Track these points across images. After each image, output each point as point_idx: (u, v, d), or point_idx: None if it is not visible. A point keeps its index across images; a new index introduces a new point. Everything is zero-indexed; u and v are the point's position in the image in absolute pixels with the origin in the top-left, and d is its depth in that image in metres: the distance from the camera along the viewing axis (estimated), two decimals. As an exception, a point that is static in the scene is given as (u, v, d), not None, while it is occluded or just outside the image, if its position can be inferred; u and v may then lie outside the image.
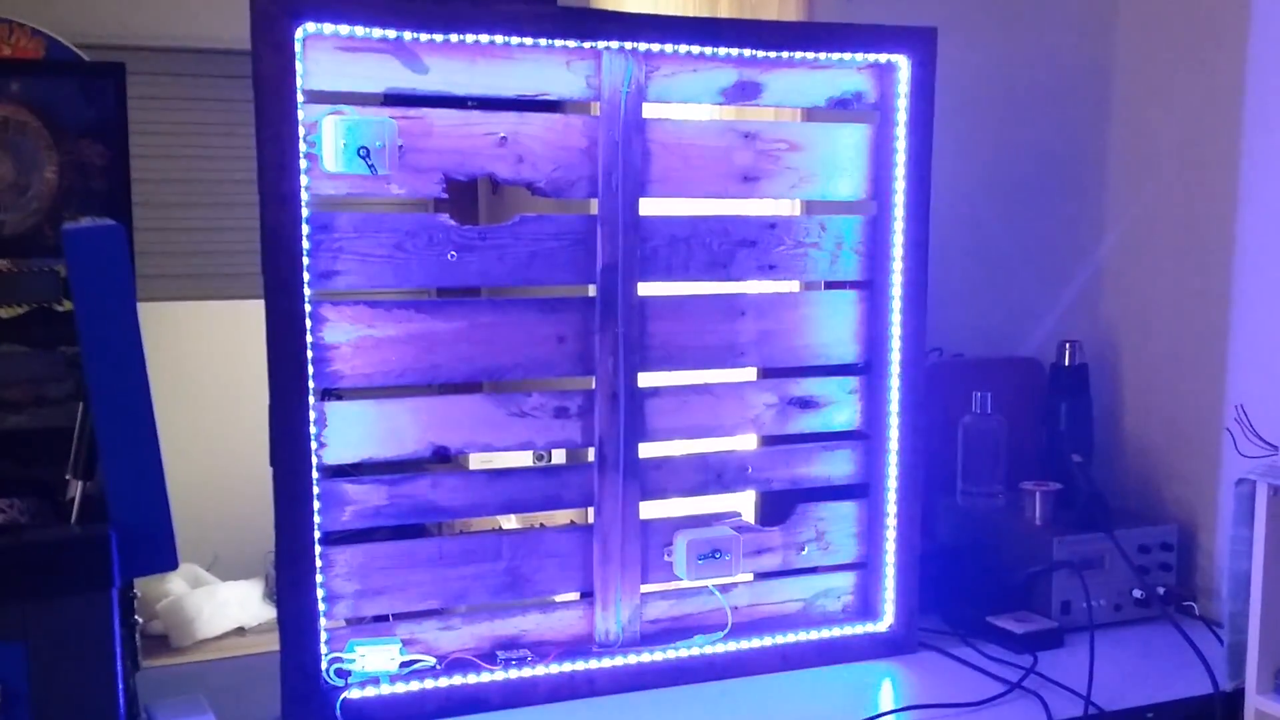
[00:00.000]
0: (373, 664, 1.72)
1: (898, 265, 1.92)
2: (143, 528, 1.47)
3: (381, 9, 1.63)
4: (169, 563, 1.51)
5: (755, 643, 1.89)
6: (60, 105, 2.53)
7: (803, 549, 1.97)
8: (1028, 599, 2.06)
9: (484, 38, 1.68)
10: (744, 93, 1.85)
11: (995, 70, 2.40)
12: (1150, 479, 2.29)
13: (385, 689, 1.71)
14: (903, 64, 1.88)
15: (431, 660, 1.77)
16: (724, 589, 1.92)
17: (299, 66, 1.61)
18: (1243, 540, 1.76)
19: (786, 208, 2.12)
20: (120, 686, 1.44)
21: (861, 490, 1.99)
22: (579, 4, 2.79)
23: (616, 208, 1.79)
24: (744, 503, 2.05)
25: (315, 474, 1.66)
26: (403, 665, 1.74)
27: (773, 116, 2.07)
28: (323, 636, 1.69)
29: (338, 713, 1.67)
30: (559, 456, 2.35)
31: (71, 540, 1.47)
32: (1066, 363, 2.27)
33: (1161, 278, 2.27)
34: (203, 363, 3.23)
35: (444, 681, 1.74)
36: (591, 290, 1.80)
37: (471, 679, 1.75)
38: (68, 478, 1.63)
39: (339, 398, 1.73)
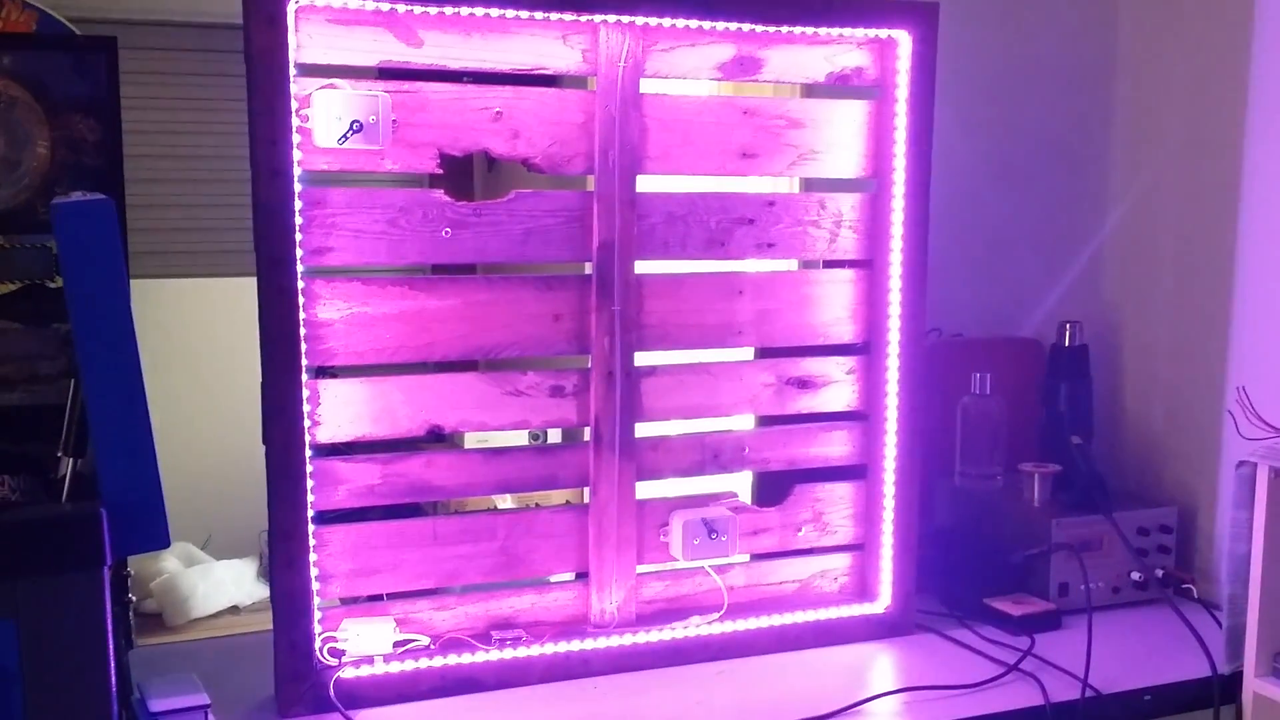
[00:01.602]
0: (366, 643, 1.71)
1: (897, 244, 1.90)
2: (134, 505, 1.45)
3: (375, -19, 1.61)
4: (161, 541, 1.49)
5: (751, 624, 1.88)
6: (52, 80, 2.51)
7: (800, 530, 1.96)
8: (1025, 581, 2.05)
9: (479, 10, 1.66)
10: (742, 68, 1.83)
11: (997, 47, 2.37)
12: (1150, 461, 2.28)
13: (379, 668, 1.70)
14: (904, 40, 1.86)
15: (425, 640, 1.76)
16: (720, 570, 1.91)
17: (291, 39, 1.59)
18: (1243, 523, 1.76)
19: (785, 185, 2.10)
20: (112, 665, 1.43)
21: (859, 471, 1.98)
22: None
23: (613, 184, 1.77)
24: (741, 483, 2.04)
25: (308, 452, 1.65)
26: (396, 645, 1.74)
27: (771, 93, 2.05)
28: (316, 615, 1.68)
29: (331, 692, 1.66)
30: (554, 436, 2.33)
31: (62, 518, 1.45)
32: (1066, 343, 2.25)
33: (1163, 258, 2.26)
34: (195, 340, 3.21)
35: (438, 661, 1.73)
36: (588, 268, 1.79)
37: (466, 659, 1.74)
38: (59, 455, 1.61)
39: (332, 375, 1.71)
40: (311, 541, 1.66)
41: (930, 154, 1.89)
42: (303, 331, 1.63)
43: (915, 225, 1.90)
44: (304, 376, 1.64)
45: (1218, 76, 2.13)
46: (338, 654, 1.70)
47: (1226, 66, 2.10)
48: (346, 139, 1.63)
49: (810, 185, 2.03)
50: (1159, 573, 2.08)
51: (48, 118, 2.49)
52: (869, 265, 1.94)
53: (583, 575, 1.85)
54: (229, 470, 2.86)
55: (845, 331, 1.94)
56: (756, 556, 1.96)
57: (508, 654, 1.76)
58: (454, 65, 1.69)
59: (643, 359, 1.83)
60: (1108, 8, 2.35)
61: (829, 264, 1.95)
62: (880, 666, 1.87)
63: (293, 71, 1.59)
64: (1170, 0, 2.23)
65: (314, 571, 1.67)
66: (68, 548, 1.41)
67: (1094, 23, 2.37)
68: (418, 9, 1.64)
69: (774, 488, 1.97)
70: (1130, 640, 1.94)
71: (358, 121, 1.63)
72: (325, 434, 1.68)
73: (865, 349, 1.95)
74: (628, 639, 1.82)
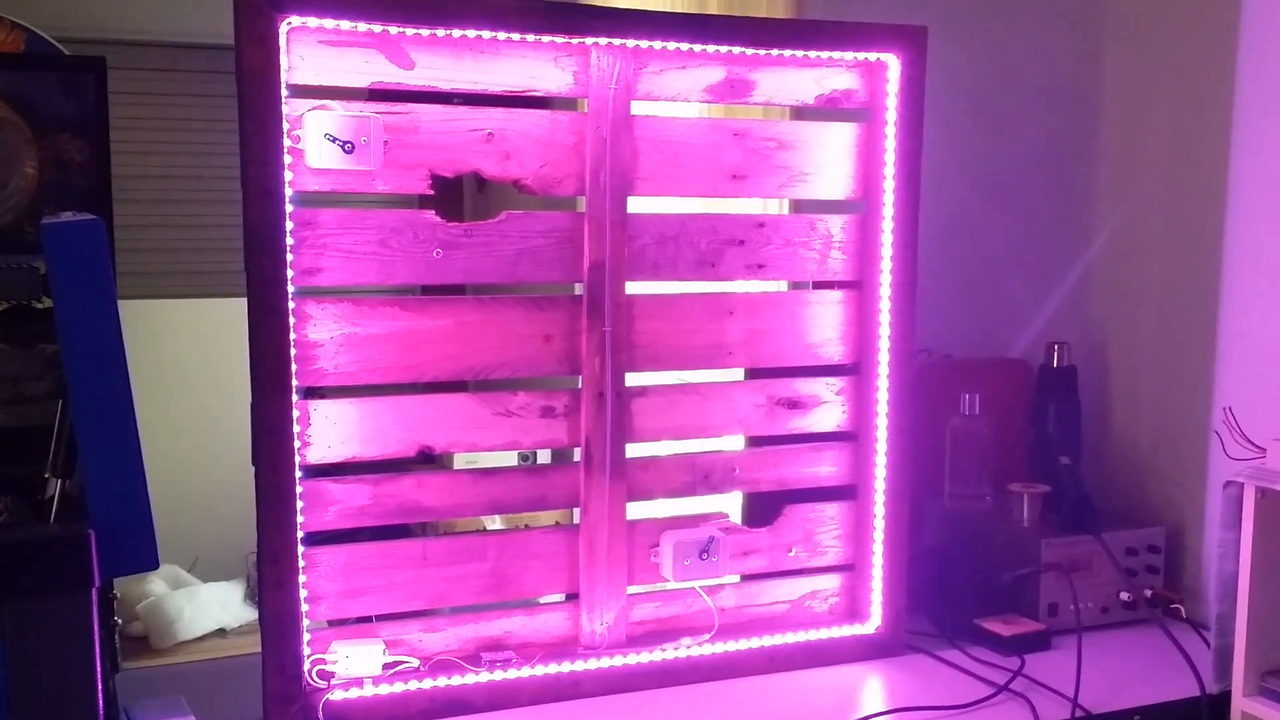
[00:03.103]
0: (355, 666, 1.70)
1: (887, 265, 1.91)
2: (122, 527, 1.45)
3: (367, 2, 1.62)
4: (149, 562, 1.49)
5: (742, 645, 1.88)
6: (40, 99, 2.51)
7: (790, 550, 1.96)
8: (1015, 601, 2.05)
9: (470, 32, 1.67)
10: (733, 90, 1.84)
11: (986, 70, 2.39)
12: (1138, 481, 2.29)
13: (368, 691, 1.69)
14: (893, 62, 1.87)
15: (415, 662, 1.75)
16: (711, 590, 1.91)
17: (283, 60, 1.59)
18: (1230, 543, 1.76)
19: (776, 207, 2.11)
20: (99, 687, 1.42)
21: (849, 492, 1.98)
22: None
23: (604, 205, 1.77)
24: (731, 504, 2.04)
25: (298, 473, 1.64)
26: (386, 667, 1.73)
27: (761, 115, 2.06)
28: (305, 638, 1.67)
29: (320, 715, 1.65)
30: (545, 456, 2.33)
31: (50, 539, 1.45)
32: (1055, 364, 2.26)
33: (1150, 279, 2.27)
34: (185, 361, 3.20)
35: (428, 683, 1.72)
36: (578, 289, 1.79)
37: (455, 681, 1.73)
38: (46, 476, 1.61)
39: (322, 396, 1.71)
40: (300, 563, 1.65)
41: (920, 176, 1.90)
42: (293, 352, 1.63)
43: (905, 246, 1.91)
44: (294, 397, 1.63)
45: (1203, 99, 2.15)
46: (326, 676, 1.69)
47: (1212, 89, 2.12)
48: (335, 140, 1.62)
49: (800, 207, 2.04)
50: (1147, 593, 2.08)
51: (36, 138, 2.49)
52: (859, 286, 1.94)
53: (573, 596, 1.84)
54: (217, 492, 2.85)
55: (835, 352, 1.95)
56: (747, 577, 1.95)
57: (498, 675, 1.75)
58: (445, 87, 1.70)
59: (633, 380, 1.83)
60: (1095, 31, 2.37)
61: (819, 285, 1.96)
62: (871, 687, 1.87)
63: (284, 92, 1.59)
64: (1156, 24, 2.25)
65: (303, 593, 1.66)
66: (55, 569, 1.40)
67: (1081, 46, 2.39)
68: (409, 31, 1.65)
69: (764, 508, 1.97)
70: (1119, 660, 1.94)
71: (349, 142, 1.63)
72: (315, 455, 1.68)
73: (855, 370, 1.96)
74: (618, 660, 1.82)
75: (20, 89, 2.51)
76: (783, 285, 2.02)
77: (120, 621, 1.83)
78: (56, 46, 2.74)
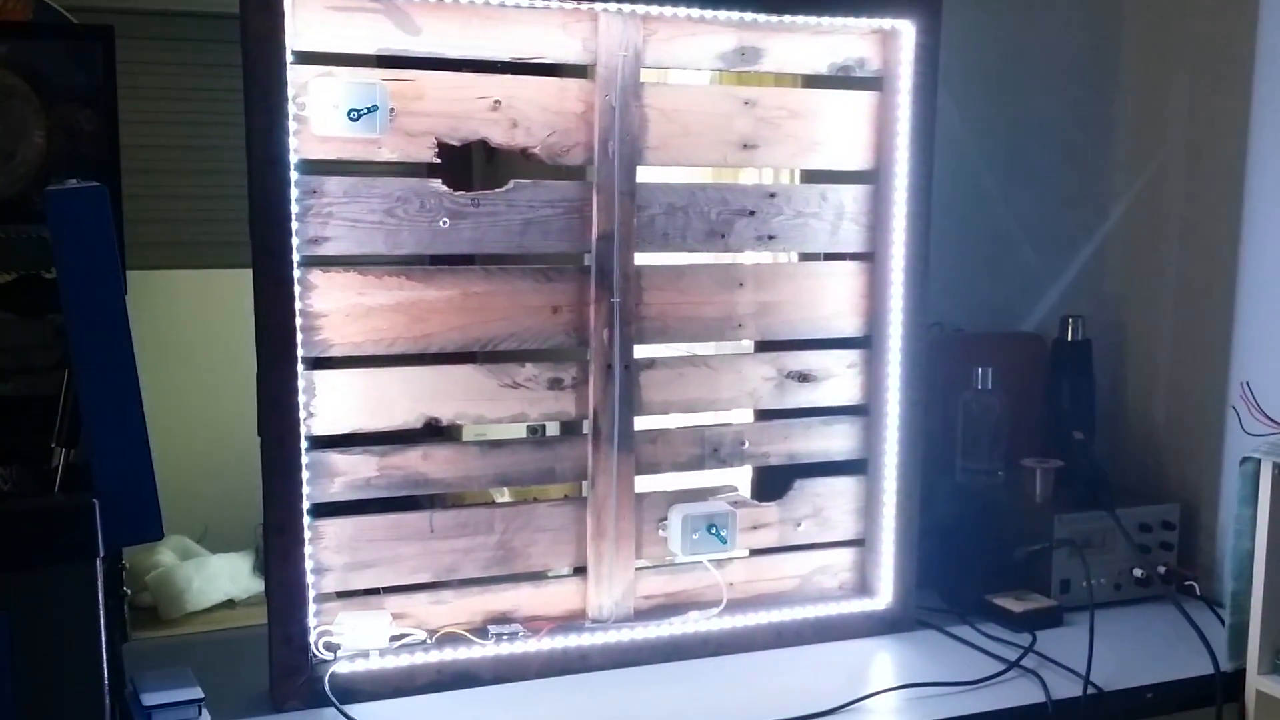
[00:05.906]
0: (362, 638, 1.70)
1: (899, 237, 1.89)
2: (127, 497, 1.44)
3: (373, -33, 1.60)
4: (154, 533, 1.48)
5: (750, 619, 1.87)
6: (49, 69, 2.49)
7: (799, 525, 1.94)
8: (1027, 577, 2.04)
9: (478, -2, 1.64)
10: (744, 58, 1.82)
11: (1001, 38, 2.36)
12: (1153, 457, 2.27)
13: (374, 663, 1.69)
14: (907, 30, 1.84)
15: (422, 634, 1.74)
16: (719, 565, 1.90)
17: (288, 26, 1.57)
18: (1246, 519, 1.75)
19: (786, 177, 2.09)
20: (104, 658, 1.41)
21: (860, 466, 1.96)
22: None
23: (613, 175, 1.75)
24: (740, 477, 2.03)
25: (304, 444, 1.63)
26: (392, 639, 1.72)
27: (773, 83, 2.04)
28: (311, 609, 1.66)
29: (326, 686, 1.65)
30: (553, 429, 2.31)
31: (54, 509, 1.44)
32: (1069, 338, 2.24)
33: (1167, 253, 2.24)
34: (191, 332, 3.20)
35: (434, 656, 1.72)
36: (587, 259, 1.77)
37: (462, 654, 1.73)
38: (52, 446, 1.60)
39: (328, 367, 1.70)
40: (307, 535, 1.65)
41: (933, 146, 1.88)
42: (298, 322, 1.62)
43: (917, 218, 1.88)
44: (299, 368, 1.62)
45: (1223, 70, 2.11)
46: (333, 648, 1.68)
47: (1232, 59, 2.09)
48: (340, 107, 1.60)
49: (812, 177, 2.02)
50: (1161, 569, 2.06)
51: (44, 107, 2.48)
52: (870, 258, 1.92)
53: (581, 570, 1.83)
54: (225, 463, 2.85)
55: (846, 325, 1.93)
56: (756, 552, 1.94)
57: (505, 649, 1.75)
58: (453, 53, 1.68)
59: (642, 351, 1.81)
60: (1112, 0, 2.33)
61: (830, 257, 1.94)
62: (880, 663, 1.86)
63: (289, 58, 1.58)
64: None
65: (309, 565, 1.65)
66: (60, 539, 1.40)
67: (1098, 15, 2.35)
68: (416, -4, 1.63)
69: (774, 482, 1.96)
70: (1132, 637, 1.93)
71: (355, 110, 1.61)
72: (321, 426, 1.67)
73: (866, 343, 1.94)
74: (626, 634, 1.81)
75: (29, 58, 2.49)
76: (793, 256, 2.00)
77: (129, 592, 1.83)
78: (65, 15, 2.73)
